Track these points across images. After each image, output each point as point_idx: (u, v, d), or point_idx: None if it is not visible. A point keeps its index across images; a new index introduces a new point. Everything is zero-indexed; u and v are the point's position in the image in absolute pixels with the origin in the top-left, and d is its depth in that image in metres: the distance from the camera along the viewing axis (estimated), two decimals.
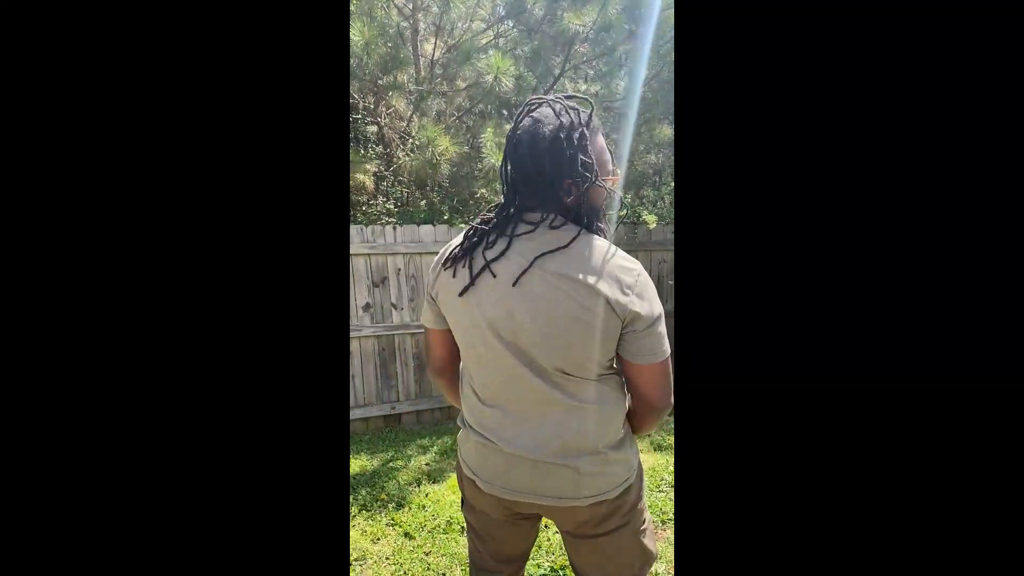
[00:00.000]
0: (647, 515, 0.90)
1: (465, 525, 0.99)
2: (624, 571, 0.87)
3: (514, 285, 0.74)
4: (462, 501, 0.96)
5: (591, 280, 0.72)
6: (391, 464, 2.61)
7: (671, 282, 3.71)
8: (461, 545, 1.86)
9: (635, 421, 0.85)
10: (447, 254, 0.81)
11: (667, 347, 0.77)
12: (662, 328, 0.76)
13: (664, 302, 0.73)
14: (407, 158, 3.40)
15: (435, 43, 3.99)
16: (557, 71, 4.06)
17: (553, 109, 0.76)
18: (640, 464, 0.88)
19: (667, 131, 4.49)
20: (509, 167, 0.78)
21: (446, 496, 2.24)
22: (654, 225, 3.52)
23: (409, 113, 3.94)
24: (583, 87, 5.47)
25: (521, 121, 0.77)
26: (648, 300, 0.75)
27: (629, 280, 0.73)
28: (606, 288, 0.72)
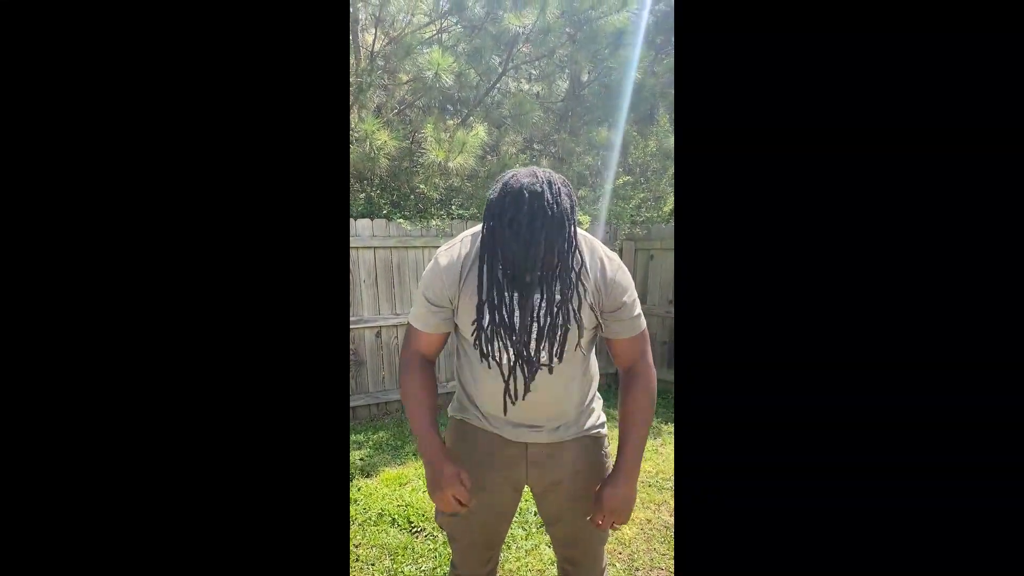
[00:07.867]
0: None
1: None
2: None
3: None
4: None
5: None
6: None
7: None
8: (391, 536, 1.88)
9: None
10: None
11: None
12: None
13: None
14: None
15: (375, 33, 3.93)
16: (499, 70, 4.11)
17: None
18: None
19: (604, 133, 4.66)
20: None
21: (379, 490, 2.25)
22: (587, 225, 3.66)
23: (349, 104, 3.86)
24: (525, 87, 5.55)
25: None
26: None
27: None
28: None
